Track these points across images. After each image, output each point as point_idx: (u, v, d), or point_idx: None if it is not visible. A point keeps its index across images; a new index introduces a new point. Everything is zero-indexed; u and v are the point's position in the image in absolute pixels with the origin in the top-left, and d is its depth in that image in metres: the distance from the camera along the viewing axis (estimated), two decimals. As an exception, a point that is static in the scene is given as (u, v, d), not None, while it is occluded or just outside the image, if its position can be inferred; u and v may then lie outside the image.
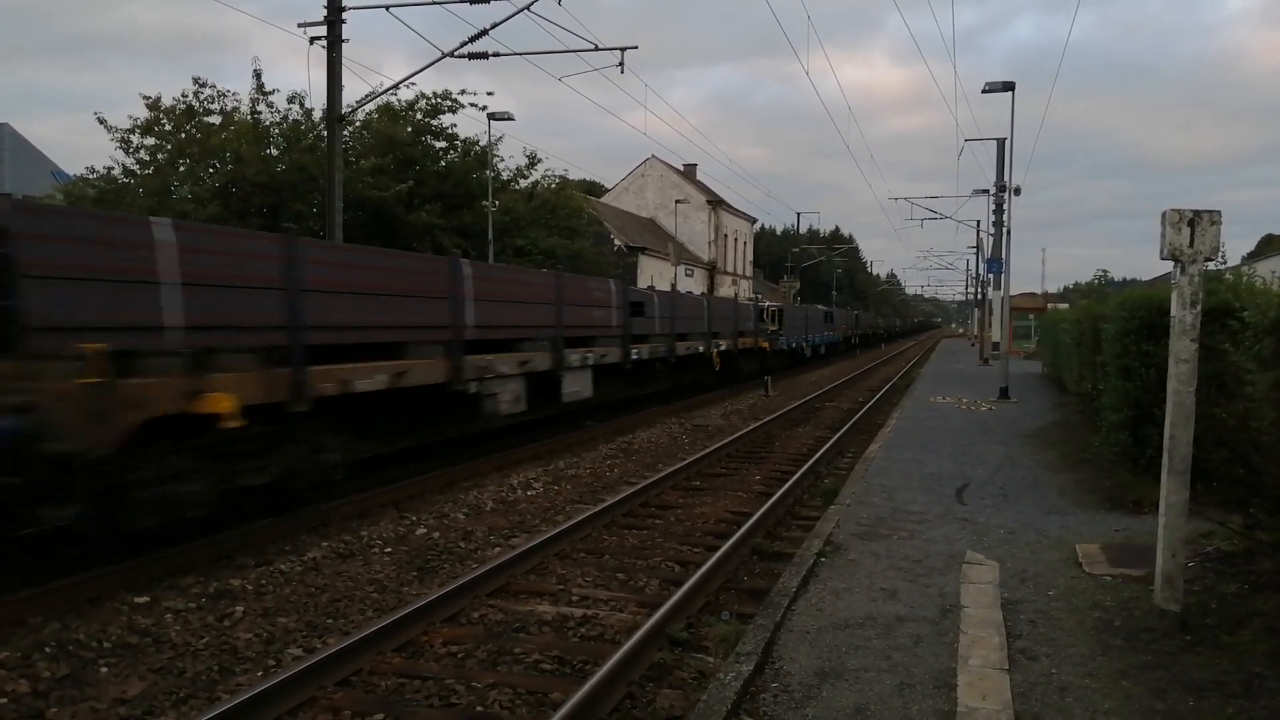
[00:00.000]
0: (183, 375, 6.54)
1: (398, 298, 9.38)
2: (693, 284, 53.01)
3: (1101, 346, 10.79)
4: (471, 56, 17.39)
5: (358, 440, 9.15)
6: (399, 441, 10.57)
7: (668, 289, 26.71)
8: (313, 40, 16.91)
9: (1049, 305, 41.36)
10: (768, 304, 30.41)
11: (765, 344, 26.37)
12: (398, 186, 22.42)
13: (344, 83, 16.43)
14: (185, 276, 6.81)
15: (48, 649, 5.36)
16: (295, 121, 23.43)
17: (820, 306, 47.30)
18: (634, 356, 16.15)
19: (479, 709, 4.66)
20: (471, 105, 25.50)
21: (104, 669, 5.15)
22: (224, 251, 7.41)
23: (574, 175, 44.83)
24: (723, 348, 21.84)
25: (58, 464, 5.86)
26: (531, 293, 12.75)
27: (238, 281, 7.35)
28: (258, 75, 22.69)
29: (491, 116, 26.27)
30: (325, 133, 18.55)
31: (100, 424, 5.85)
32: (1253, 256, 49.22)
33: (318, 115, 22.69)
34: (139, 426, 6.15)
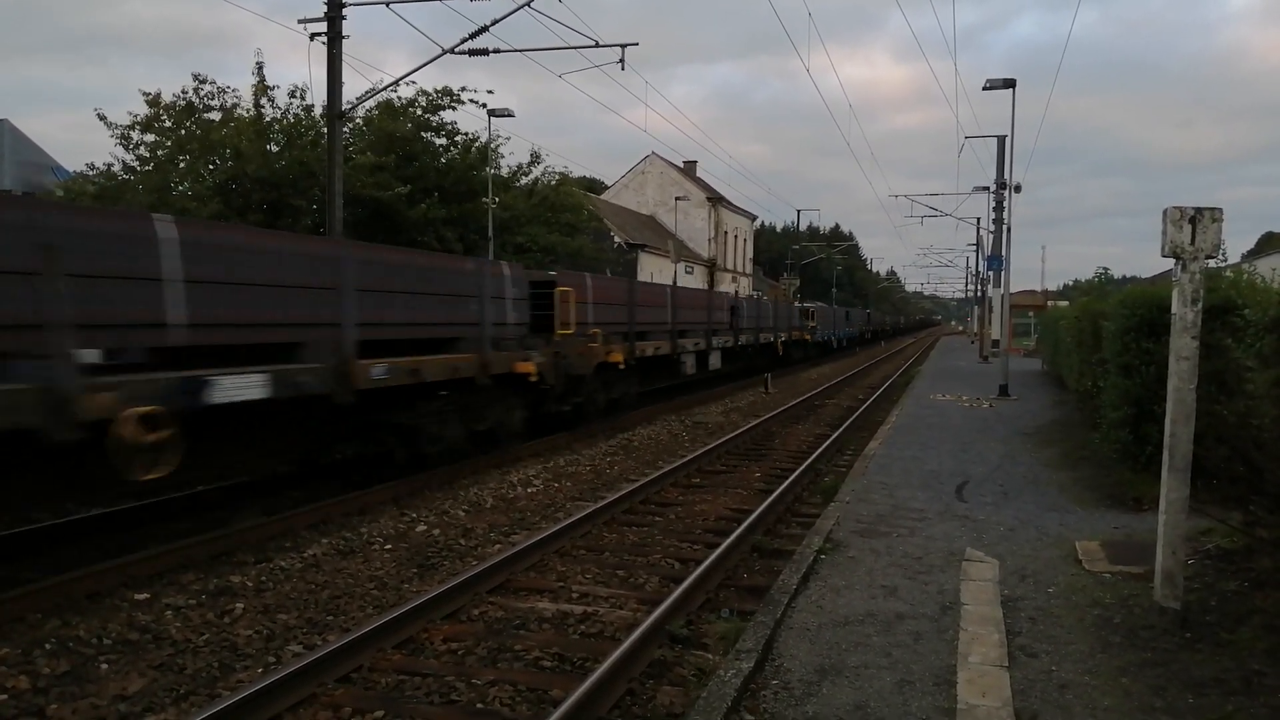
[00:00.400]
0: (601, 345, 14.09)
1: (651, 307, 17.53)
2: (693, 281, 52.97)
3: (1102, 344, 10.78)
4: (472, 53, 17.37)
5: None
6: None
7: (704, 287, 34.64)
8: (313, 36, 16.90)
9: (1049, 303, 41.38)
10: (808, 305, 39.22)
11: (807, 336, 35.19)
12: (398, 189, 22.38)
13: (346, 79, 16.45)
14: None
15: (48, 645, 5.36)
16: (296, 117, 23.39)
17: (843, 308, 56.92)
18: (739, 343, 24.25)
19: (479, 706, 4.66)
20: (472, 102, 25.48)
21: (104, 665, 5.15)
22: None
23: (575, 173, 44.80)
24: (783, 338, 29.96)
25: (572, 379, 12.90)
26: (699, 301, 21.84)
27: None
28: (260, 68, 22.65)
29: (492, 113, 26.23)
30: (326, 129, 18.55)
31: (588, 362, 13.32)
32: (1253, 254, 49.20)
33: (318, 111, 22.67)
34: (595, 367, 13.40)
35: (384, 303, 9.06)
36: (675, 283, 24.41)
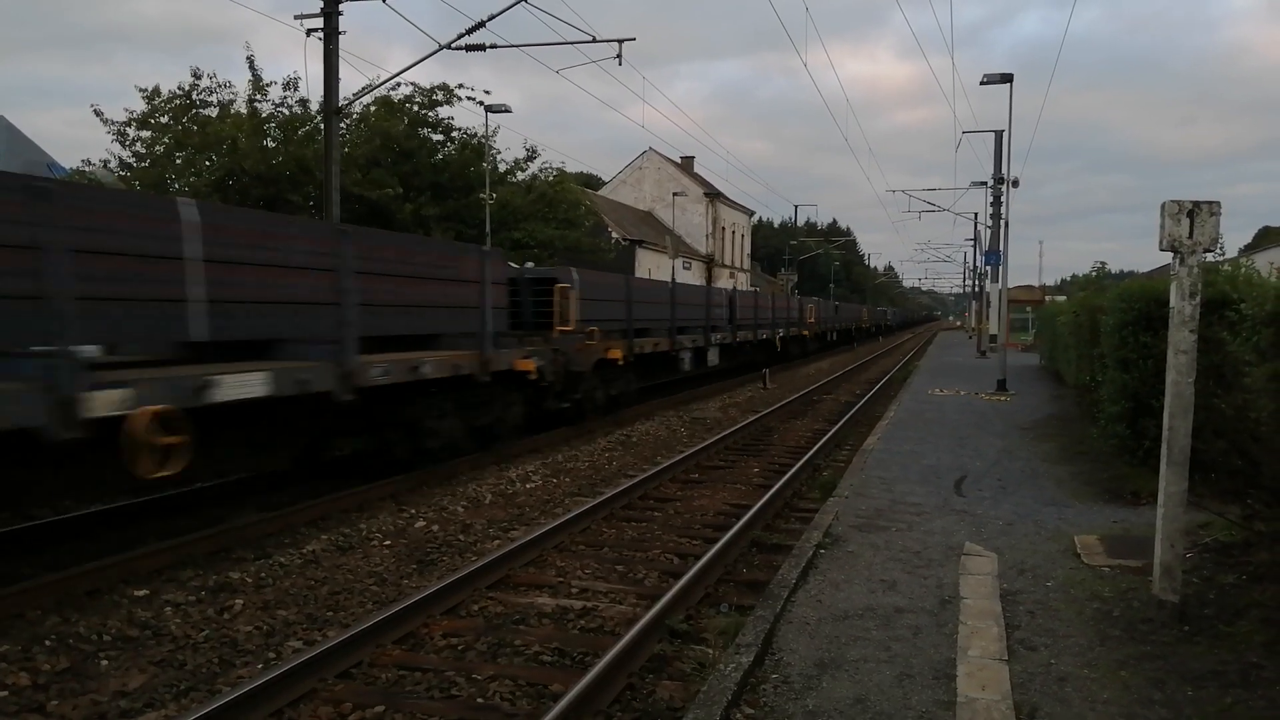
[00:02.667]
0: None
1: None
2: (690, 277, 52.96)
3: (1099, 338, 10.80)
4: (469, 49, 17.34)
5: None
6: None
7: (730, 287, 35.42)
8: (309, 32, 16.86)
9: (1046, 298, 41.40)
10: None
11: (807, 332, 35.02)
12: (388, 190, 22.35)
13: (348, 76, 16.46)
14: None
15: (47, 642, 5.36)
16: (292, 113, 23.34)
17: (848, 304, 60.35)
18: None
19: (480, 701, 4.67)
20: (469, 99, 25.45)
21: (104, 662, 5.15)
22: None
23: (574, 168, 44.76)
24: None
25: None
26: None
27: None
28: (250, 63, 22.61)
29: (489, 109, 26.19)
30: (322, 124, 18.51)
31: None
32: (1250, 249, 49.26)
33: (315, 107, 22.62)
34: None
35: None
36: (674, 278, 24.24)
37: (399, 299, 9.34)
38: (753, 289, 50.09)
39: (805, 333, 34.32)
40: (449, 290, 10.22)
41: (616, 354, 14.60)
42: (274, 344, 7.79)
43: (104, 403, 5.69)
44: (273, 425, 8.31)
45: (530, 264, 19.79)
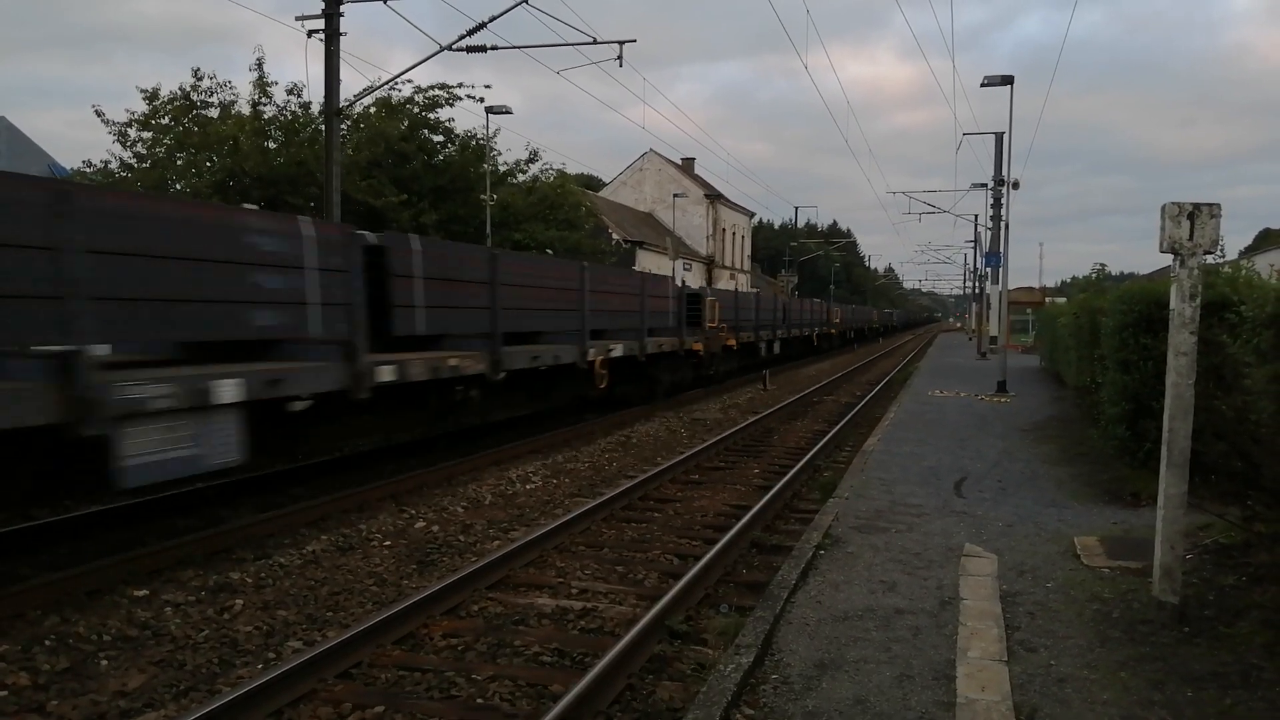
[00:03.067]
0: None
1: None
2: (691, 278, 52.94)
3: (1100, 340, 10.80)
4: (470, 50, 17.36)
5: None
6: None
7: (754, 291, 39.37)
8: (310, 34, 16.87)
9: (1047, 300, 41.40)
10: (838, 307, 47.10)
11: (833, 330, 43.84)
12: (389, 198, 22.34)
13: (351, 78, 16.51)
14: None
15: (47, 642, 5.36)
16: (293, 114, 23.34)
17: (862, 307, 68.17)
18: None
19: (479, 701, 4.67)
20: (469, 98, 25.45)
21: (104, 662, 5.15)
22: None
23: (575, 169, 44.73)
24: (819, 332, 38.75)
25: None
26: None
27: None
28: (260, 64, 22.60)
29: (490, 110, 26.20)
30: (323, 126, 18.52)
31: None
32: (1250, 250, 49.25)
33: (315, 109, 22.61)
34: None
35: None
36: (674, 276, 24.66)
37: (617, 307, 15.06)
38: (779, 295, 50.47)
39: (832, 331, 43.28)
40: (654, 302, 16.77)
41: (732, 342, 22.54)
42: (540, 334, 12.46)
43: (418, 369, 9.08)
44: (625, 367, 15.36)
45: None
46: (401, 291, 9.35)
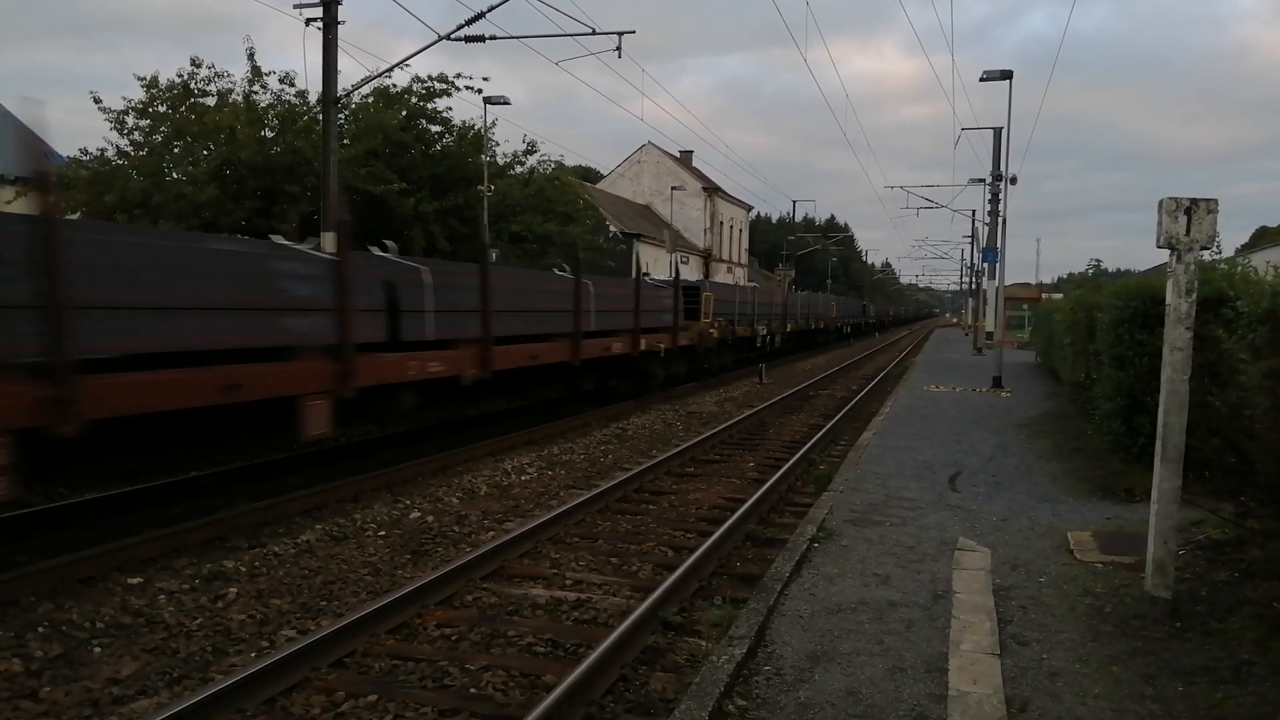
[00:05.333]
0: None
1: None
2: (688, 271, 52.89)
3: (1095, 336, 10.81)
4: (468, 40, 17.30)
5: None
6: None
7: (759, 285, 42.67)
8: (308, 22, 16.79)
9: (1043, 296, 41.44)
10: (866, 304, 54.52)
11: (863, 322, 47.61)
12: (390, 186, 22.25)
13: (355, 69, 16.42)
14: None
15: (40, 629, 5.36)
16: (290, 103, 23.21)
17: (875, 303, 73.59)
18: (787, 329, 31.15)
19: (473, 691, 4.67)
20: (468, 89, 25.32)
21: (97, 649, 5.15)
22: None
23: (580, 161, 44.76)
24: (821, 325, 40.09)
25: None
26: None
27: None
28: (250, 54, 22.49)
29: (488, 100, 26.08)
30: (320, 115, 18.44)
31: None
32: (1246, 249, 49.29)
33: (313, 98, 22.50)
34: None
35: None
36: (674, 271, 24.50)
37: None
38: (803, 291, 50.52)
39: (863, 322, 48.89)
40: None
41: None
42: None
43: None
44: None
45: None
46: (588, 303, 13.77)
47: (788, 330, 31.53)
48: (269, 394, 7.35)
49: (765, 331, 27.55)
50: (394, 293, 9.12)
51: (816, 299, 41.87)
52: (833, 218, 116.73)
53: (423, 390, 9.91)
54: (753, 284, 49.27)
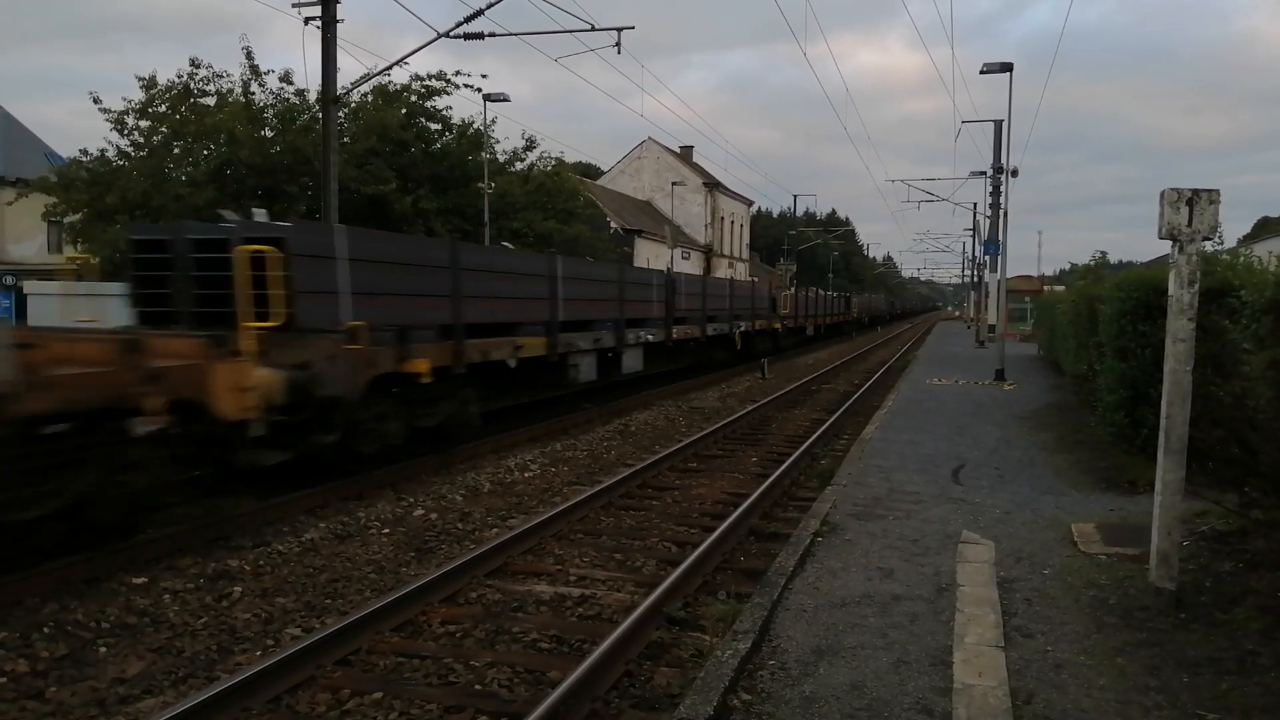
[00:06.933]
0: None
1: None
2: (689, 267, 52.87)
3: (1098, 327, 10.79)
4: (467, 37, 17.27)
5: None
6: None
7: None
8: (307, 21, 16.76)
9: (1045, 288, 41.37)
10: (890, 300, 55.69)
11: (851, 317, 49.47)
12: (386, 186, 22.23)
13: (354, 69, 16.38)
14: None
15: (46, 629, 5.37)
16: (289, 102, 23.21)
17: (872, 295, 74.34)
18: (796, 324, 33.47)
19: (478, 688, 4.68)
20: (467, 86, 25.30)
21: (103, 649, 5.16)
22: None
23: (583, 159, 44.71)
24: (870, 317, 43.97)
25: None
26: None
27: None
28: (247, 53, 22.49)
29: (487, 98, 26.06)
30: (320, 114, 18.43)
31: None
32: (1248, 239, 49.20)
33: (313, 97, 22.49)
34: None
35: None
36: (671, 267, 24.55)
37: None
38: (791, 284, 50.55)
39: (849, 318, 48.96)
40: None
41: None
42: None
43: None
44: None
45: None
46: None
47: (794, 326, 34.18)
48: (533, 354, 12.41)
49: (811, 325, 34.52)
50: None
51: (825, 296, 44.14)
52: (834, 212, 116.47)
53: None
54: (752, 279, 49.29)
